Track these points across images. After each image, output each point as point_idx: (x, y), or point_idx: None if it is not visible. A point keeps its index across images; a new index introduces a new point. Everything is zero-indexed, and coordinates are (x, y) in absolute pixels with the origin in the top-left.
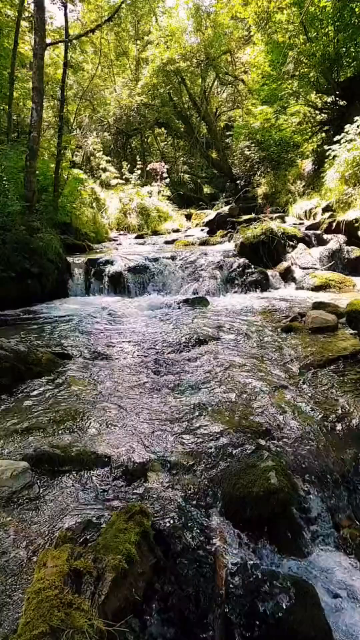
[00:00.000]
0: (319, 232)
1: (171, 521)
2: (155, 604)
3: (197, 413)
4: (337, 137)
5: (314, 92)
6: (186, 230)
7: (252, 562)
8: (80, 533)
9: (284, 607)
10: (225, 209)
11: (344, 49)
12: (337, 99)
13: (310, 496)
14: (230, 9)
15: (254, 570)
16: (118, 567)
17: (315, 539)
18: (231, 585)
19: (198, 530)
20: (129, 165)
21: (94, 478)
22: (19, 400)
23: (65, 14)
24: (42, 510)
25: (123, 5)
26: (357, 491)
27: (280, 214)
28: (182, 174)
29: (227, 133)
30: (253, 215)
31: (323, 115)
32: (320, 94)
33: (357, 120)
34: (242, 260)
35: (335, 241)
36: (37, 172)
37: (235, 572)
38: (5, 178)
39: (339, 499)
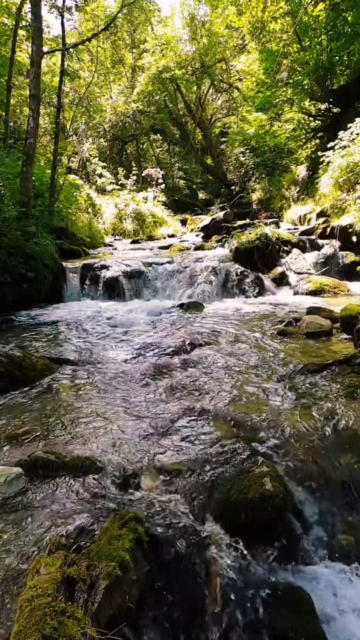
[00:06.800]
0: (313, 237)
1: (165, 528)
2: (149, 612)
3: (191, 418)
4: (331, 144)
5: (308, 100)
6: (181, 236)
7: (246, 568)
8: (74, 540)
9: (279, 615)
10: (220, 214)
11: (337, 57)
12: (330, 106)
13: (305, 502)
14: (225, 18)
15: (248, 577)
16: (112, 575)
17: (311, 546)
18: (226, 593)
19: (192, 537)
20: (124, 171)
21: (88, 484)
22: (14, 405)
23: (62, 23)
24: (35, 516)
25: (119, 15)
26: (354, 497)
27: (274, 219)
28: (177, 179)
29: (222, 139)
30: (248, 220)
31: (317, 122)
32: (314, 101)
33: (350, 127)
34: (236, 265)
35: (330, 246)
36: (33, 177)
37: (230, 579)
38: (1, 184)
39: (335, 505)
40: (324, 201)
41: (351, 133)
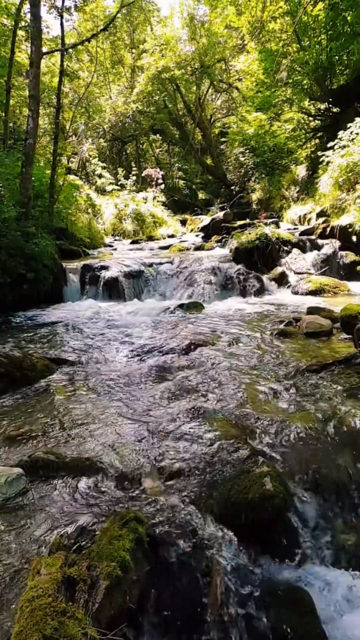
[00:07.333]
0: (313, 237)
1: (166, 528)
2: (149, 612)
3: (191, 418)
4: (330, 144)
5: (308, 99)
6: (181, 236)
7: (247, 568)
8: (75, 540)
9: (280, 615)
10: (220, 214)
11: (336, 57)
12: (330, 106)
13: (306, 502)
14: (224, 18)
15: (249, 577)
16: (112, 575)
17: (310, 545)
18: (226, 593)
19: (193, 537)
20: (124, 172)
21: (88, 484)
22: (14, 405)
23: (62, 23)
24: (36, 516)
25: (118, 15)
26: (354, 497)
27: (274, 219)
28: (177, 179)
29: (222, 139)
30: (247, 220)
31: (317, 121)
32: (313, 101)
33: (350, 127)
34: (236, 265)
35: (330, 246)
36: (32, 178)
37: (230, 579)
38: (1, 184)
39: (335, 504)
40: (324, 201)
41: (351, 133)
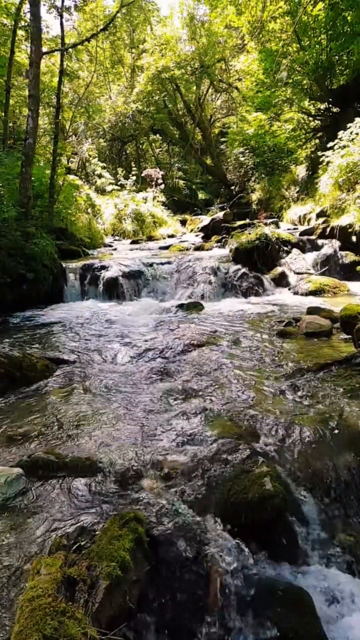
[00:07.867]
0: (313, 237)
1: (166, 528)
2: (149, 612)
3: (191, 418)
4: (330, 144)
5: (308, 99)
6: (181, 236)
7: (247, 569)
8: (74, 540)
9: (280, 615)
10: (220, 214)
11: (336, 57)
12: (330, 106)
13: (305, 501)
14: (224, 18)
15: (248, 578)
16: (112, 575)
17: (310, 545)
18: (226, 593)
19: (193, 537)
20: (124, 172)
21: (88, 484)
22: (14, 406)
23: (61, 23)
24: (36, 516)
25: (118, 15)
26: (354, 496)
27: (274, 219)
28: (177, 180)
29: (222, 139)
30: (247, 220)
31: (317, 121)
32: (313, 101)
33: (349, 127)
34: (236, 265)
35: (330, 246)
36: (32, 178)
37: (230, 579)
38: (0, 184)
39: (335, 505)
40: (324, 201)
41: (351, 133)
